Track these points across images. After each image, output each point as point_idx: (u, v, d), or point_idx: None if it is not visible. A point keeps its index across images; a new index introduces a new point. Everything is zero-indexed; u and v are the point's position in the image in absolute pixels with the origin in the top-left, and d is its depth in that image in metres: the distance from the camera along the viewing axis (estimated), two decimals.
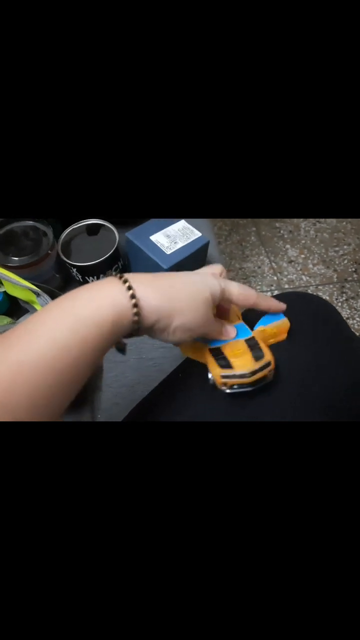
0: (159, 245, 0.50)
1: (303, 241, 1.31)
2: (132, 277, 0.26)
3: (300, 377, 0.34)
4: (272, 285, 1.21)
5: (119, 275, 0.26)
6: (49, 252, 0.49)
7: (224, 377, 0.30)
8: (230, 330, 0.34)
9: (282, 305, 0.35)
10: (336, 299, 1.17)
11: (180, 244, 0.50)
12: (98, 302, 0.24)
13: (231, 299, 0.32)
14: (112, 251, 0.51)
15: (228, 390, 0.31)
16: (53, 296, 0.46)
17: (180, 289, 0.28)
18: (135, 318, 0.25)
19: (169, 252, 0.50)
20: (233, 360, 0.31)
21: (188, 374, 0.37)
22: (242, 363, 0.31)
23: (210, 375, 0.31)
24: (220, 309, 0.36)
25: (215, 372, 0.31)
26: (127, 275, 0.26)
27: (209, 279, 0.30)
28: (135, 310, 0.25)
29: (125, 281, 0.26)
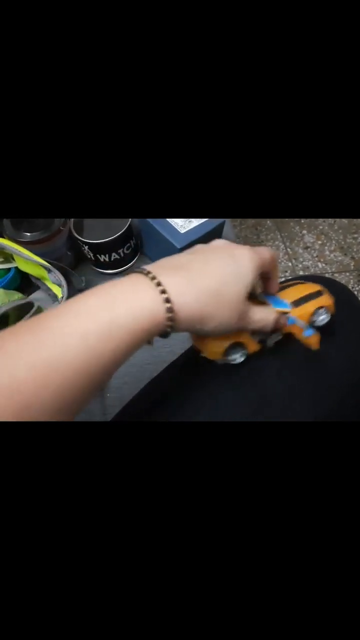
0: (172, 223, 0.49)
1: (320, 227, 1.28)
2: (166, 277, 0.24)
3: (312, 364, 0.34)
4: (286, 272, 1.18)
5: (151, 276, 0.24)
6: (61, 228, 0.48)
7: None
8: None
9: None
10: (352, 287, 1.14)
11: (195, 223, 0.49)
12: (134, 309, 0.23)
13: (266, 268, 0.29)
14: (124, 229, 0.50)
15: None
16: (64, 273, 0.45)
17: (216, 290, 0.25)
18: (169, 329, 0.24)
19: (182, 230, 0.48)
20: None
21: (199, 356, 0.37)
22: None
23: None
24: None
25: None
26: (160, 276, 0.24)
27: (244, 269, 0.27)
28: (170, 323, 0.24)
29: (161, 288, 0.23)
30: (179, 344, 0.50)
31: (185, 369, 0.36)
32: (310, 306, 0.32)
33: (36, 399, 0.20)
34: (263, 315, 0.29)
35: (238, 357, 0.31)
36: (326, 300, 0.32)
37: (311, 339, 0.33)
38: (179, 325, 0.25)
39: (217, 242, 0.30)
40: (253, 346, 0.32)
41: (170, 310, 0.23)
